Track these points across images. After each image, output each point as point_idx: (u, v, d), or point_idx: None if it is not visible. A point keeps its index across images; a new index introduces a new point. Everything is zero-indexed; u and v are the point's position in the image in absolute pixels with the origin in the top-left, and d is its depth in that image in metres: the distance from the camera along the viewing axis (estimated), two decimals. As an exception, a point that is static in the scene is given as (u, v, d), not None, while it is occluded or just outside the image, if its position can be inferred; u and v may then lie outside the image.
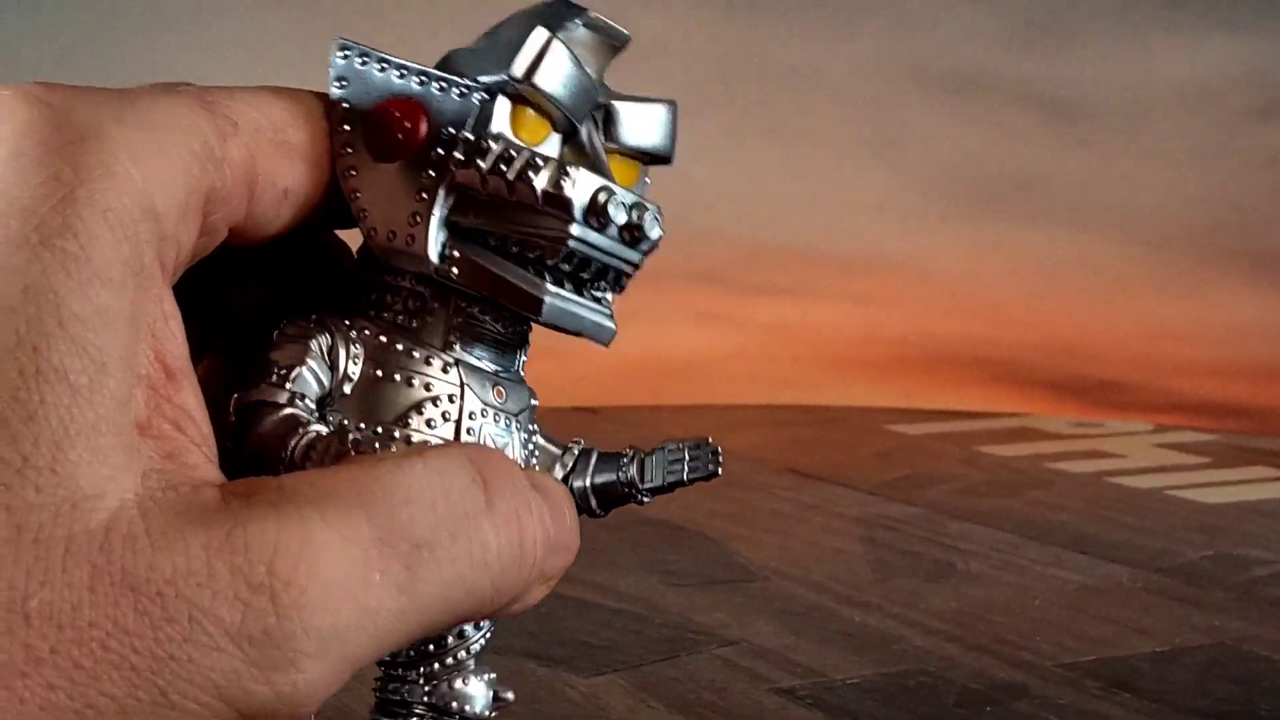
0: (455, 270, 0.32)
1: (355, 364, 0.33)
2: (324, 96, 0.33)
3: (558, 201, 0.31)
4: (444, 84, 0.32)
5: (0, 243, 0.27)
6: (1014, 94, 1.51)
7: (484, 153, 0.31)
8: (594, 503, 0.36)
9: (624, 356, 1.36)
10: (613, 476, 0.35)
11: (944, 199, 1.50)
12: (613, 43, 0.33)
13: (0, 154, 0.28)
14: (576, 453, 0.36)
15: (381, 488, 0.29)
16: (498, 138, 0.31)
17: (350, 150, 0.32)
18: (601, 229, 0.31)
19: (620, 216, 0.31)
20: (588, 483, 0.35)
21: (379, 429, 0.32)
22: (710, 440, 0.36)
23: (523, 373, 0.35)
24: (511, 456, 0.33)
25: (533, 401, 0.35)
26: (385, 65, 0.32)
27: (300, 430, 0.31)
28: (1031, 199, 1.51)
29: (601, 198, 0.31)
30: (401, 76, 0.32)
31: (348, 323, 0.33)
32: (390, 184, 0.32)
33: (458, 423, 0.33)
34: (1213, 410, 1.42)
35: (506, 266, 0.32)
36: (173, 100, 0.30)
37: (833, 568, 0.69)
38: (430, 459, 0.30)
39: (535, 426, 0.35)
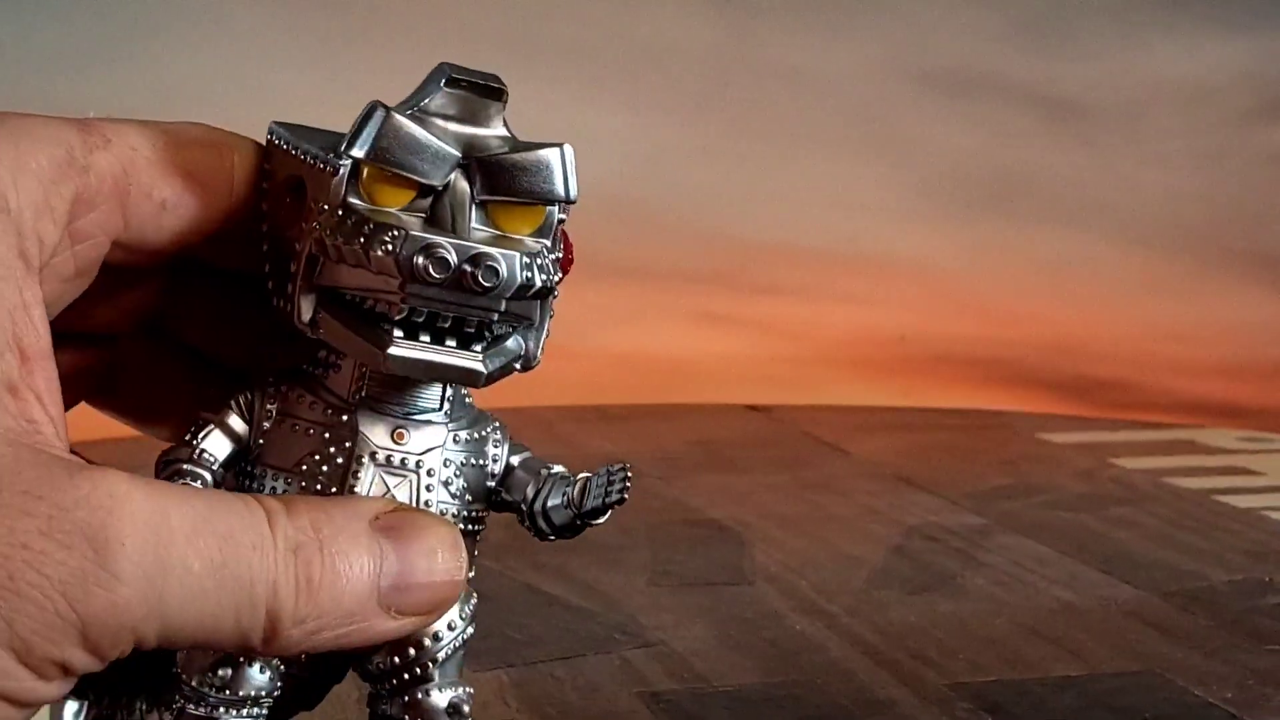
0: (321, 330, 0.35)
1: (269, 415, 0.36)
2: (248, 140, 0.36)
3: (384, 264, 0.33)
4: (314, 159, 0.35)
5: None
6: (1014, 94, 1.51)
7: (330, 221, 0.34)
8: (546, 529, 0.38)
9: (631, 356, 1.36)
10: (559, 500, 0.38)
11: (944, 199, 1.50)
12: (487, 94, 0.35)
13: None
14: (546, 475, 0.38)
15: (201, 498, 0.33)
16: (344, 206, 0.34)
17: (269, 232, 0.36)
18: (438, 283, 0.33)
19: (440, 272, 0.33)
20: (543, 506, 0.38)
21: (277, 475, 0.36)
22: (626, 467, 0.38)
23: (457, 408, 0.37)
24: (402, 497, 0.36)
25: (470, 436, 0.37)
26: (285, 144, 0.36)
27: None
28: (1031, 199, 1.51)
29: (420, 260, 0.33)
30: (292, 155, 0.35)
31: (271, 380, 0.37)
32: (282, 254, 0.36)
33: (345, 468, 0.36)
34: (1213, 410, 1.42)
35: (358, 324, 0.34)
36: (44, 119, 0.34)
37: (828, 575, 0.69)
38: (226, 495, 0.33)
39: (493, 462, 0.38)
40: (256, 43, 1.35)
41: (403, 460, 0.36)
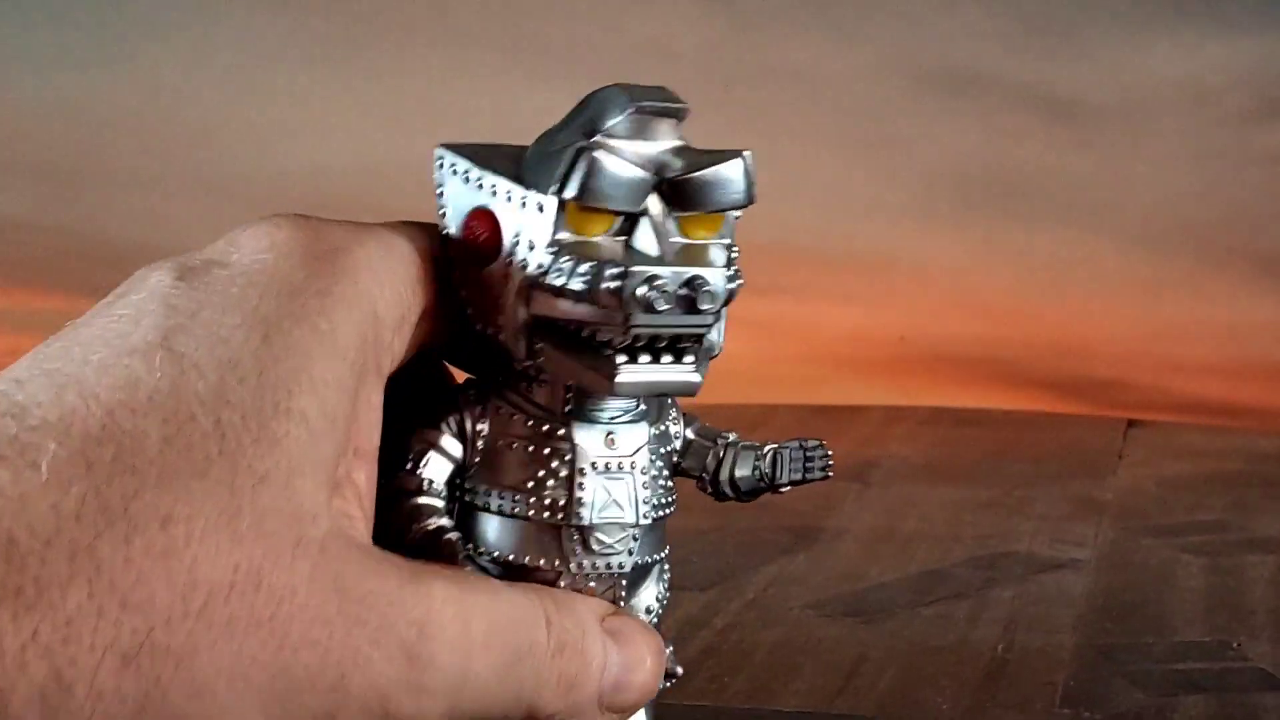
0: (540, 359, 0.36)
1: (482, 435, 0.38)
2: (430, 227, 0.38)
3: (610, 300, 0.34)
4: (509, 194, 0.36)
5: (273, 309, 0.33)
6: (1014, 94, 1.51)
7: (543, 258, 0.35)
8: (734, 496, 0.41)
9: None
10: (749, 472, 0.41)
11: (944, 199, 1.50)
12: (669, 115, 0.36)
13: (275, 254, 0.35)
14: (725, 444, 0.41)
15: (499, 606, 0.35)
16: (556, 244, 0.35)
17: (456, 260, 0.37)
18: (656, 312, 0.34)
19: (666, 303, 0.34)
20: (731, 477, 0.41)
21: (502, 493, 0.38)
22: (823, 443, 0.41)
23: (649, 403, 0.39)
24: (620, 498, 0.38)
25: (662, 427, 0.39)
26: (467, 175, 0.37)
27: (423, 521, 0.37)
28: (1031, 199, 1.51)
29: (644, 291, 0.34)
30: (479, 188, 0.37)
31: (474, 396, 0.38)
32: (483, 284, 0.37)
33: (569, 480, 0.37)
34: (1213, 410, 1.42)
35: (582, 354, 0.36)
36: (395, 226, 0.37)
37: (826, 580, 0.69)
38: (516, 595, 0.36)
39: (675, 440, 0.40)
40: (256, 42, 1.35)
41: (619, 464, 0.38)
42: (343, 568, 0.32)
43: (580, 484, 0.37)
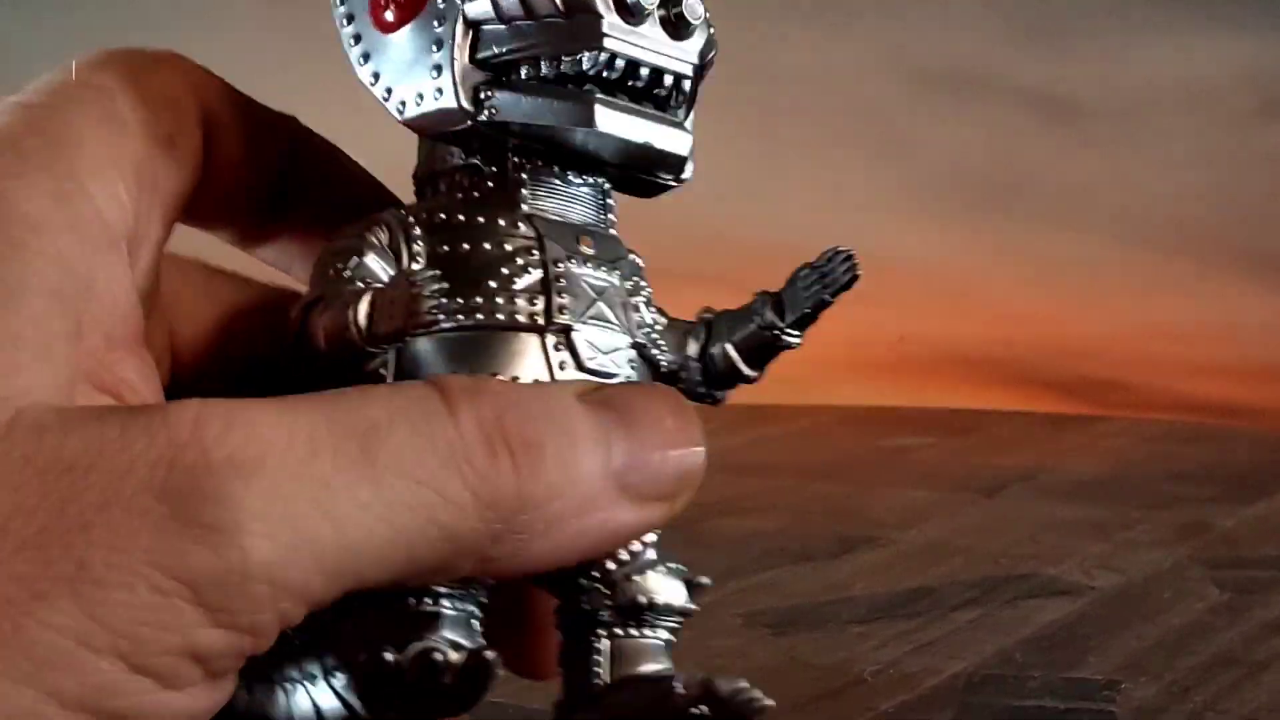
0: (493, 110, 0.29)
1: (419, 246, 0.29)
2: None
3: (581, 3, 0.28)
4: None
5: None
6: (1014, 94, 1.51)
7: None
8: (741, 362, 0.32)
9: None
10: (751, 327, 0.32)
11: (944, 199, 1.50)
12: None
13: None
14: (708, 320, 0.32)
15: (332, 394, 0.26)
16: None
17: (358, 34, 0.30)
18: (637, 22, 0.29)
19: (653, 2, 0.28)
20: (727, 344, 0.32)
21: (458, 299, 0.29)
22: (839, 248, 0.32)
23: (613, 232, 0.31)
24: (612, 305, 0.30)
25: (635, 259, 0.31)
26: None
27: (358, 298, 0.28)
28: (1031, 199, 1.51)
29: None
30: None
31: (403, 211, 0.30)
32: (403, 50, 0.30)
33: (544, 268, 0.29)
34: (1213, 410, 1.42)
35: (547, 89, 0.29)
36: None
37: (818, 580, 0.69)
38: (386, 391, 0.27)
39: (647, 291, 0.32)
40: (257, 41, 1.35)
41: (597, 263, 0.30)
42: (37, 441, 0.24)
43: (557, 275, 0.29)
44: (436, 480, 0.25)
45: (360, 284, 0.29)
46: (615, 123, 0.29)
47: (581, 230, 0.30)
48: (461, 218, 0.30)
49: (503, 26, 0.29)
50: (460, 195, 0.30)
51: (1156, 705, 0.51)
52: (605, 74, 0.29)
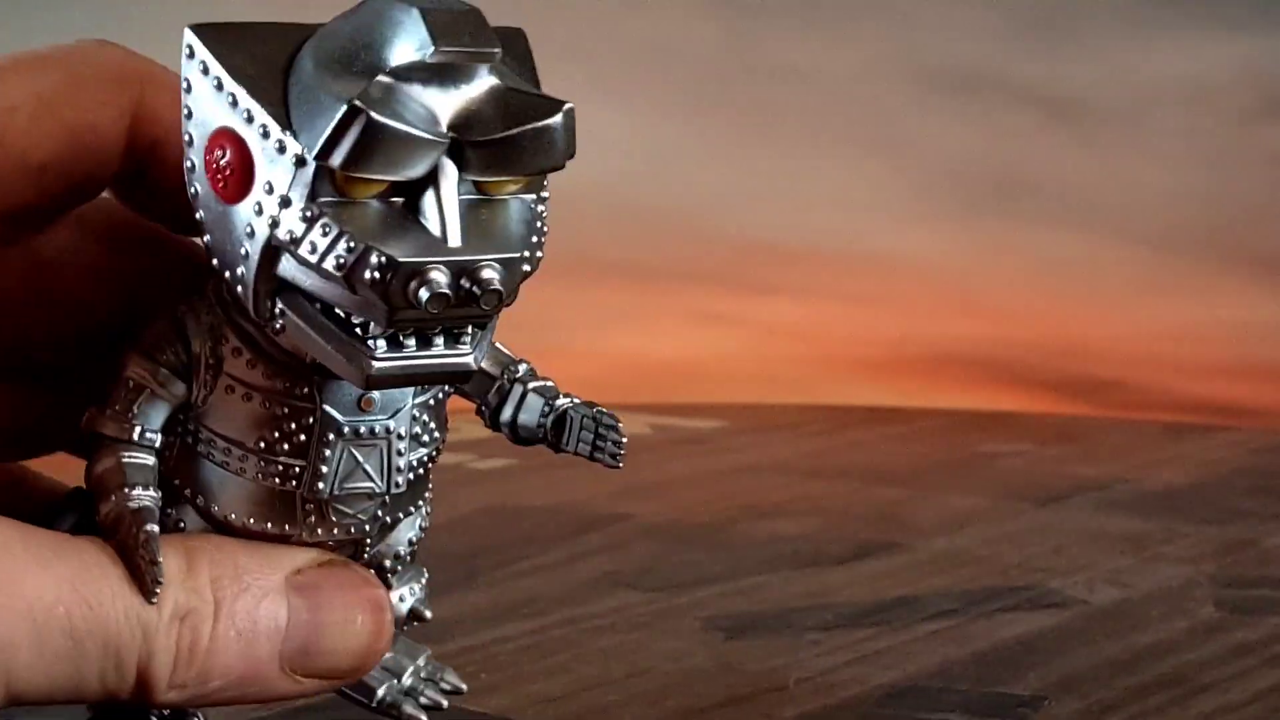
0: (280, 325, 0.30)
1: (212, 372, 0.32)
2: (166, 75, 0.33)
3: (368, 292, 0.29)
4: (265, 129, 0.29)
5: None
6: (1014, 94, 1.51)
7: (295, 218, 0.29)
8: (510, 435, 0.35)
9: (631, 356, 1.35)
10: (532, 421, 0.34)
11: (944, 199, 1.50)
12: (478, 59, 0.30)
13: None
14: (513, 379, 0.35)
15: (67, 559, 0.30)
16: (314, 208, 0.29)
17: (191, 172, 0.31)
18: (424, 310, 0.29)
19: (436, 306, 0.29)
20: (508, 417, 0.34)
21: (229, 448, 0.32)
22: (617, 424, 0.34)
23: None
24: (372, 468, 0.32)
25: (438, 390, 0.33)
26: (219, 83, 0.30)
27: (124, 493, 0.31)
28: (1032, 199, 1.51)
29: (412, 286, 0.28)
30: (231, 104, 0.29)
31: (204, 321, 0.32)
32: (224, 221, 0.30)
33: (308, 447, 0.32)
34: (1213, 411, 1.42)
35: (331, 333, 0.30)
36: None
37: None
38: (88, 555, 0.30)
39: (449, 388, 0.33)
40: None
41: (371, 429, 0.32)
42: None
43: (322, 454, 0.32)
44: (125, 650, 0.30)
45: (142, 438, 0.32)
46: (391, 372, 0.30)
47: (365, 392, 0.32)
48: (255, 362, 0.32)
49: (300, 264, 0.30)
50: (261, 335, 0.32)
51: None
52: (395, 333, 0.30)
